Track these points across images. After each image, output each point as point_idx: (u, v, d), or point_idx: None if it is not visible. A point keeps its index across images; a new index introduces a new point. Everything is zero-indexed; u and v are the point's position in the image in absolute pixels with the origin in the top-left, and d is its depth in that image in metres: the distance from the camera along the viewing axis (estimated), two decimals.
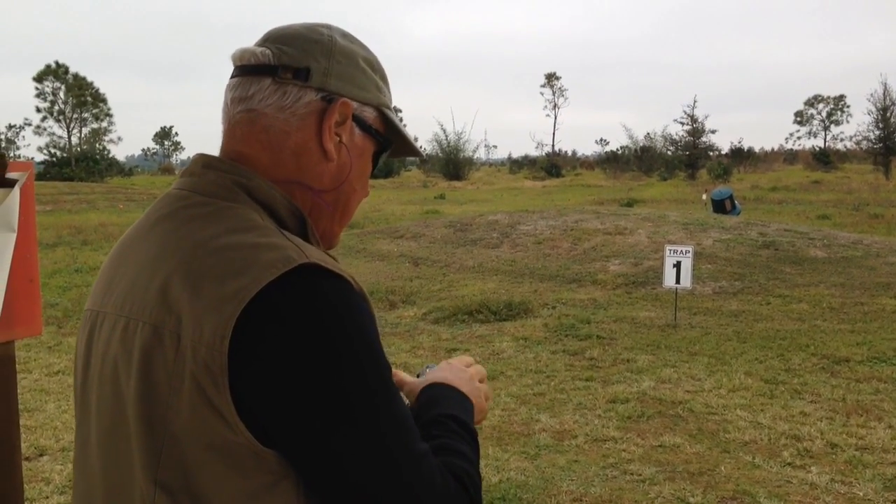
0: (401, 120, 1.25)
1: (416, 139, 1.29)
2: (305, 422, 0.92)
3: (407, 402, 1.13)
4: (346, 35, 1.17)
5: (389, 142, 1.19)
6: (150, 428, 0.95)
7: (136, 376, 0.96)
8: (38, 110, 69.10)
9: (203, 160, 1.11)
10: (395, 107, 1.24)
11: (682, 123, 56.00)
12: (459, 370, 1.24)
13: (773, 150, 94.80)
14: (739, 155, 61.73)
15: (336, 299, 0.95)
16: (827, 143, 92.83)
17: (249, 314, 0.91)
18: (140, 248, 1.05)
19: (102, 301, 1.08)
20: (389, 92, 1.21)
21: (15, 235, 1.65)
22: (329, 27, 1.17)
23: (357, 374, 0.93)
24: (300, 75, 1.10)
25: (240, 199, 1.05)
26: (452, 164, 58.30)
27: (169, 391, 0.93)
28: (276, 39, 1.13)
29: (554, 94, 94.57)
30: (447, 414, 1.10)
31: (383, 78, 1.19)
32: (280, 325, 0.91)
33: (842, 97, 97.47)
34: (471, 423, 1.12)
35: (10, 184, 1.65)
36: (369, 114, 1.15)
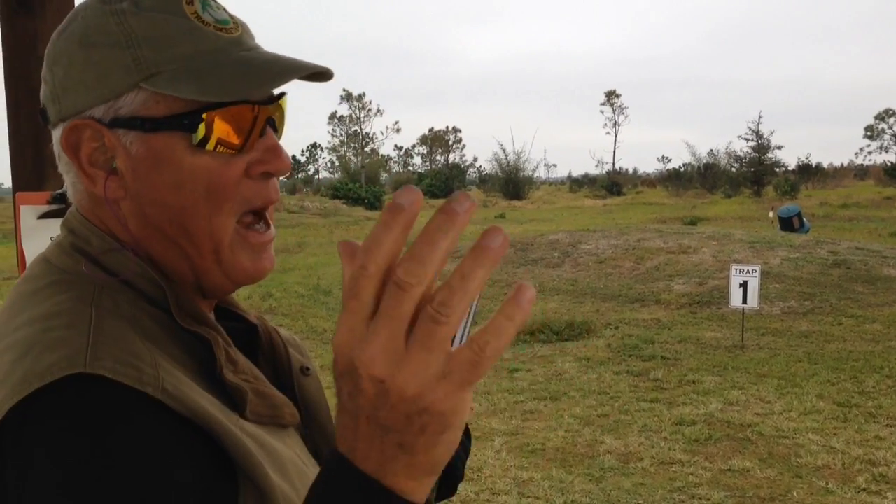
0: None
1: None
2: None
3: None
4: (71, 20, 0.82)
5: (199, 108, 0.78)
6: None
7: None
8: None
9: (68, 213, 0.87)
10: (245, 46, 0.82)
11: (747, 139, 54.99)
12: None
13: (842, 165, 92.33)
14: (807, 171, 60.23)
15: (93, 430, 0.66)
16: None
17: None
18: None
19: None
20: (183, 26, 0.80)
21: None
22: (72, 16, 0.82)
23: None
24: (44, 117, 0.84)
25: (77, 269, 0.80)
26: (512, 183, 58.28)
27: None
28: None
29: (614, 111, 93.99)
30: None
31: (146, 31, 0.79)
32: (21, 467, 0.66)
33: None
34: None
35: None
36: (133, 103, 0.79)
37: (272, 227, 0.87)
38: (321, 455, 0.91)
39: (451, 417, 0.52)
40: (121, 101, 0.78)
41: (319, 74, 0.85)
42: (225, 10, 0.85)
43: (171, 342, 0.77)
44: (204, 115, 0.78)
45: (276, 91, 0.86)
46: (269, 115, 0.84)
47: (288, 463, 0.79)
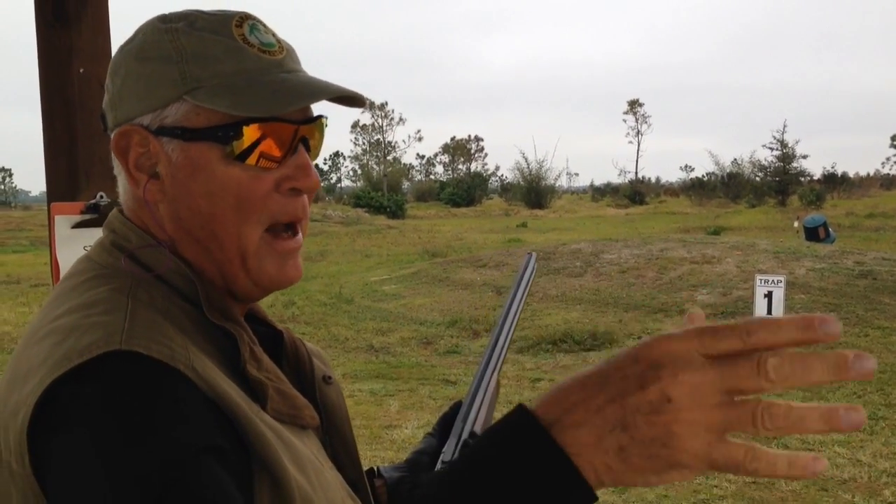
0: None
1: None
2: None
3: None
4: (134, 36, 0.90)
5: (234, 122, 0.84)
6: None
7: None
8: None
9: (110, 216, 0.94)
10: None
11: (772, 148, 54.59)
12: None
13: (868, 175, 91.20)
14: (833, 180, 59.60)
15: (131, 400, 0.70)
16: None
17: (40, 420, 0.72)
18: None
19: None
20: (228, 48, 0.86)
21: None
22: (136, 33, 0.91)
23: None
24: (104, 123, 0.92)
25: (117, 264, 0.86)
26: (534, 192, 58.20)
27: None
28: None
29: (637, 120, 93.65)
30: None
31: (194, 48, 0.85)
32: (65, 433, 0.70)
33: None
34: None
35: None
36: (177, 114, 0.85)
37: (300, 234, 0.91)
38: (340, 460, 0.94)
39: (676, 470, 0.56)
40: (166, 111, 0.85)
41: (352, 100, 0.91)
42: (274, 34, 0.91)
43: (200, 336, 0.82)
44: (244, 129, 0.84)
45: (316, 113, 0.92)
46: (303, 135, 0.89)
47: (305, 459, 0.82)
